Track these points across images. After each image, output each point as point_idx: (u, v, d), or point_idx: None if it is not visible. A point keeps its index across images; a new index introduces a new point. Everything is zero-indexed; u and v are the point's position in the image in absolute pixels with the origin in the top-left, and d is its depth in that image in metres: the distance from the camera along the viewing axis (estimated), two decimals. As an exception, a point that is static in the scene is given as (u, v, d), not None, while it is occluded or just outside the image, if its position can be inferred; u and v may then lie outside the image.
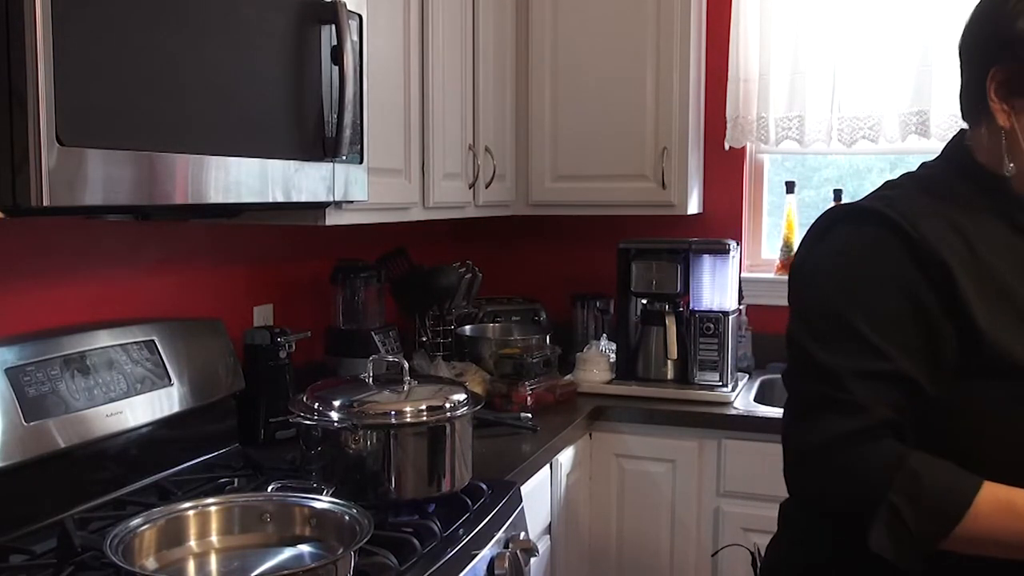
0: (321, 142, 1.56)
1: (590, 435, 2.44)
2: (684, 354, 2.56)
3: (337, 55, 1.55)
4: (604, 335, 2.81)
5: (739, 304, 2.63)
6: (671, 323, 2.56)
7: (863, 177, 2.90)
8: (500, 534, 1.60)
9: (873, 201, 1.14)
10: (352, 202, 1.72)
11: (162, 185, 1.22)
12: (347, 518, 1.31)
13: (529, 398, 2.34)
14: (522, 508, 1.75)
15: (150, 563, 1.24)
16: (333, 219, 1.79)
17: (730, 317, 2.52)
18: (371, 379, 1.65)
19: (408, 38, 2.11)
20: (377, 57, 1.91)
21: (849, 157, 2.89)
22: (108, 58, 1.13)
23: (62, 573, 1.28)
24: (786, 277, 1.24)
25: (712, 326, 2.51)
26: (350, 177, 1.66)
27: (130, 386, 1.65)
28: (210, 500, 1.35)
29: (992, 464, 1.03)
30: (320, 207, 1.74)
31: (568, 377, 2.58)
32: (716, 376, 2.51)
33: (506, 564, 1.55)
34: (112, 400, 1.60)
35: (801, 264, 1.19)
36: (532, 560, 1.67)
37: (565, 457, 2.23)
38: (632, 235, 2.70)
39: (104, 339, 1.64)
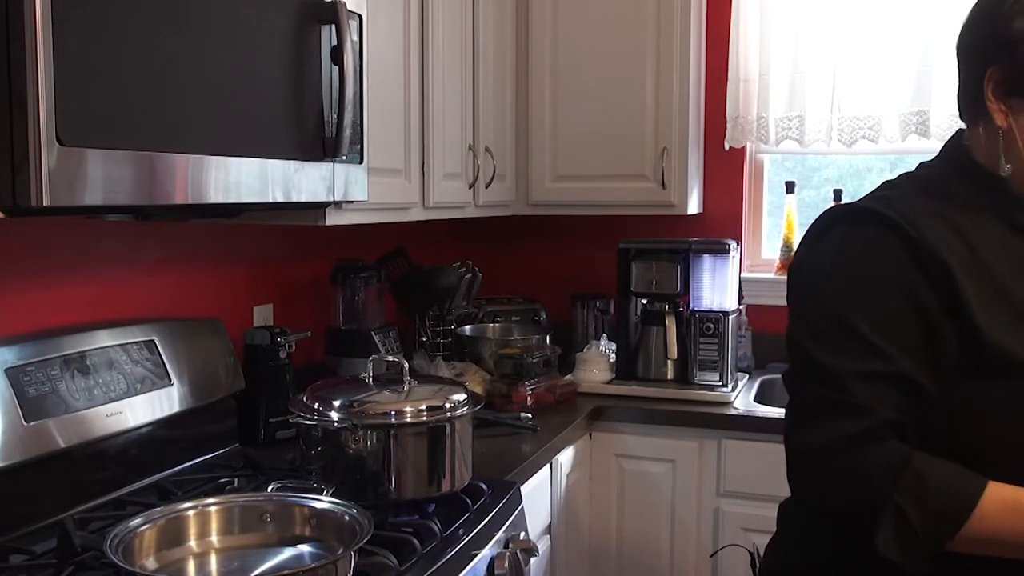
0: (321, 142, 1.56)
1: (590, 435, 2.44)
2: (684, 354, 2.56)
3: (337, 55, 1.55)
4: (604, 335, 2.81)
5: (739, 304, 2.63)
6: (671, 323, 2.56)
7: (863, 177, 2.90)
8: (500, 534, 1.60)
9: (872, 201, 1.14)
10: (352, 202, 1.72)
11: (162, 185, 1.22)
12: (347, 518, 1.31)
13: (529, 398, 2.34)
14: (522, 508, 1.75)
15: (150, 563, 1.24)
16: (333, 219, 1.79)
17: (730, 317, 2.52)
18: (371, 379, 1.65)
19: (408, 38, 2.11)
20: (377, 57, 1.91)
21: (849, 157, 2.89)
22: (108, 58, 1.13)
23: (62, 573, 1.28)
24: (786, 277, 1.24)
25: (712, 326, 2.51)
26: (350, 177, 1.67)
27: (130, 386, 1.65)
28: (210, 500, 1.35)
29: (992, 464, 1.03)
30: (320, 207, 1.74)
31: (568, 377, 2.58)
32: (716, 376, 2.51)
33: (506, 564, 1.55)
34: (112, 400, 1.60)
35: (800, 264, 1.19)
36: (532, 560, 1.67)
37: (565, 457, 2.23)
38: (632, 235, 2.70)
39: (104, 339, 1.64)
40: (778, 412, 2.33)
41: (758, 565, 1.37)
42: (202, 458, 1.83)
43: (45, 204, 1.05)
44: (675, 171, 2.65)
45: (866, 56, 2.63)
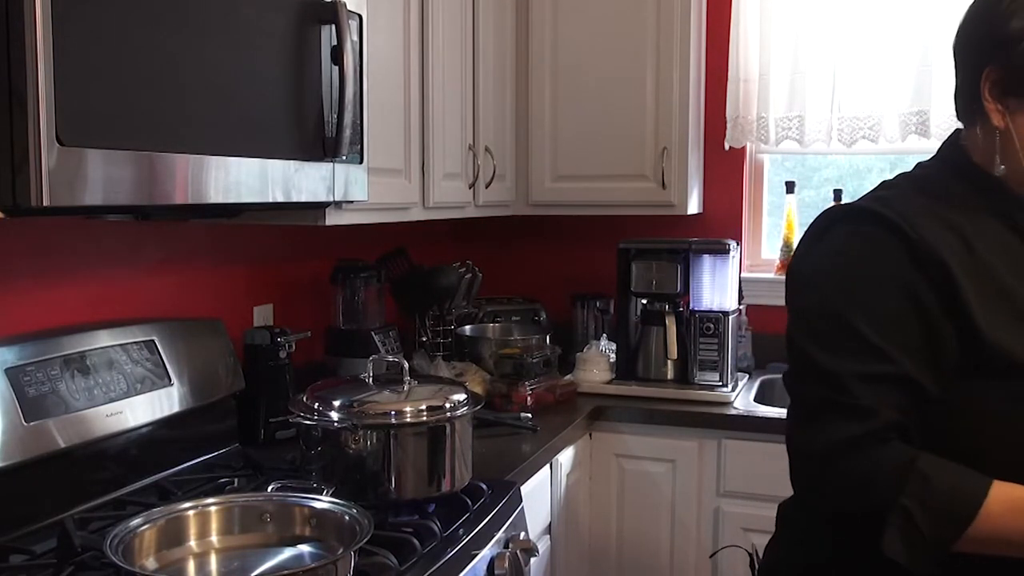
0: (321, 142, 1.56)
1: (590, 435, 2.44)
2: (684, 354, 2.56)
3: (337, 55, 1.55)
4: (604, 335, 2.81)
5: (739, 304, 2.63)
6: (671, 323, 2.56)
7: (863, 177, 2.90)
8: (500, 534, 1.60)
9: (870, 202, 1.14)
10: (352, 202, 1.72)
11: (162, 185, 1.22)
12: (347, 518, 1.31)
13: (529, 398, 2.34)
14: (522, 508, 1.75)
15: (150, 563, 1.24)
16: (333, 219, 1.79)
17: (730, 317, 2.52)
18: (371, 379, 1.65)
19: (408, 38, 2.11)
20: (377, 57, 1.91)
21: (849, 157, 2.89)
22: (108, 58, 1.13)
23: (62, 573, 1.28)
24: (784, 278, 1.24)
25: (712, 326, 2.51)
26: (350, 177, 1.67)
27: (130, 386, 1.65)
28: (210, 500, 1.35)
29: (992, 464, 1.03)
30: (320, 207, 1.74)
31: (568, 377, 2.58)
32: (716, 376, 2.51)
33: (506, 564, 1.55)
34: (112, 400, 1.60)
35: (799, 265, 1.19)
36: (532, 560, 1.67)
37: (565, 457, 2.23)
38: (632, 235, 2.70)
39: (104, 339, 1.64)
40: (778, 412, 2.34)
41: (757, 566, 1.37)
42: (202, 458, 1.83)
43: (45, 204, 1.05)
44: (675, 171, 2.65)
45: (866, 56, 2.63)
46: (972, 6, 1.16)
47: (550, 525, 2.15)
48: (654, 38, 2.64)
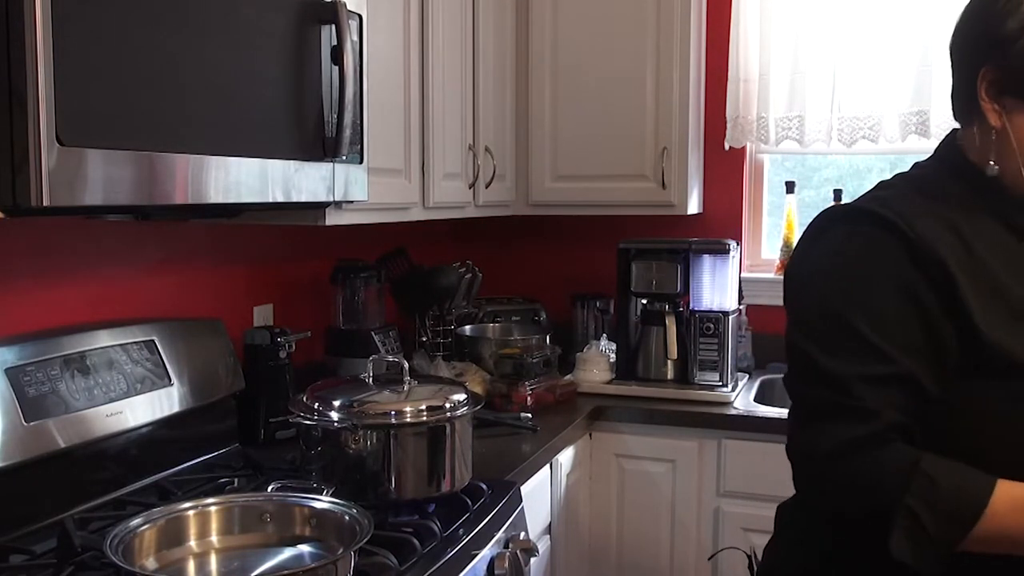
0: (321, 142, 1.56)
1: (590, 435, 2.44)
2: (684, 354, 2.56)
3: (337, 55, 1.55)
4: (604, 335, 2.81)
5: (739, 304, 2.63)
6: (671, 323, 2.56)
7: (863, 177, 2.90)
8: (500, 534, 1.60)
9: (868, 202, 1.14)
10: (352, 202, 1.72)
11: (162, 185, 1.22)
12: (347, 518, 1.31)
13: (529, 398, 2.34)
14: (522, 508, 1.75)
15: (150, 563, 1.24)
16: (333, 219, 1.79)
17: (730, 317, 2.52)
18: (371, 379, 1.65)
19: (408, 38, 2.11)
20: (377, 57, 1.91)
21: (849, 157, 2.89)
22: (108, 58, 1.13)
23: (62, 573, 1.28)
24: (782, 278, 1.23)
25: (712, 326, 2.51)
26: (350, 177, 1.66)
27: (130, 386, 1.65)
28: (210, 500, 1.35)
29: (992, 464, 1.03)
30: (320, 207, 1.74)
31: (568, 377, 2.58)
32: (716, 376, 2.51)
33: (506, 564, 1.55)
34: (112, 400, 1.60)
35: (797, 266, 1.19)
36: (532, 560, 1.67)
37: (565, 457, 2.23)
38: (632, 235, 2.70)
39: (104, 339, 1.64)
40: (778, 412, 2.34)
41: (756, 568, 1.37)
42: (202, 458, 1.83)
43: (45, 204, 1.05)
44: (675, 171, 2.65)
45: (866, 56, 2.63)
46: (968, 6, 1.16)
47: (550, 525, 2.15)
48: (654, 38, 2.64)
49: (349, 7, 1.57)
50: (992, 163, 1.12)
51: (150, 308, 1.86)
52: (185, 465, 1.78)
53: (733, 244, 2.54)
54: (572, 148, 2.73)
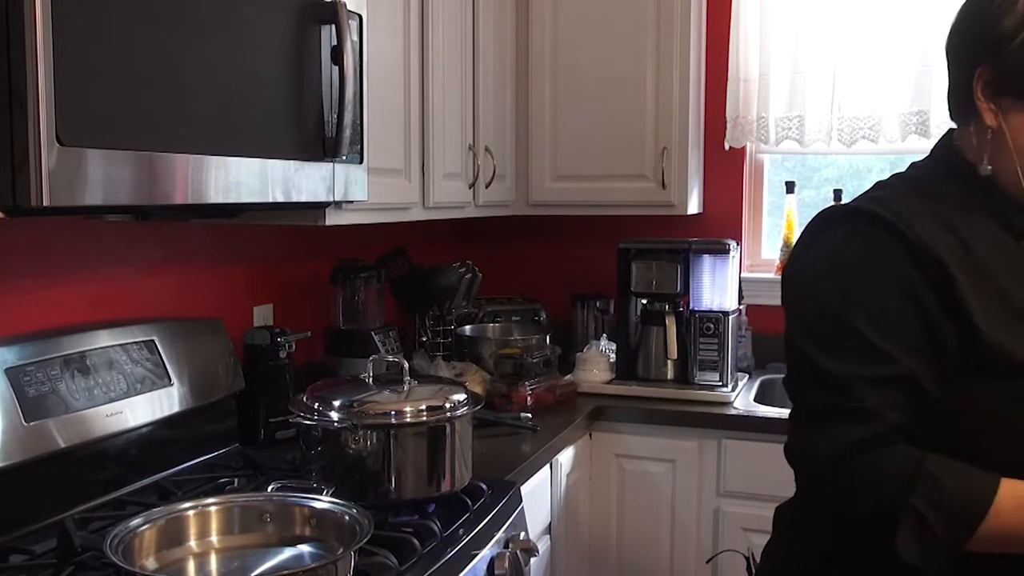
0: (321, 142, 1.56)
1: (590, 435, 2.44)
2: (684, 354, 2.56)
3: (337, 55, 1.55)
4: (604, 335, 2.81)
5: (739, 304, 2.63)
6: (671, 323, 2.56)
7: (863, 177, 2.90)
8: (500, 534, 1.60)
9: (866, 202, 1.13)
10: (352, 202, 1.72)
11: (162, 185, 1.22)
12: (347, 518, 1.31)
13: (529, 398, 2.34)
14: (522, 508, 1.75)
15: (150, 563, 1.24)
16: (333, 219, 1.79)
17: (730, 317, 2.52)
18: (371, 379, 1.65)
19: (408, 38, 2.11)
20: (377, 57, 1.91)
21: (849, 157, 2.89)
22: (108, 58, 1.13)
23: (62, 573, 1.28)
24: (780, 279, 1.23)
25: (712, 326, 2.51)
26: (350, 177, 1.66)
27: (130, 386, 1.65)
28: (210, 500, 1.35)
29: (992, 464, 1.03)
30: (320, 207, 1.74)
31: (568, 377, 2.58)
32: (716, 376, 2.51)
33: (506, 564, 1.55)
34: (112, 400, 1.60)
35: (795, 266, 1.18)
36: (532, 560, 1.67)
37: (565, 457, 2.22)
38: (632, 235, 2.70)
39: (104, 339, 1.64)
40: (778, 412, 2.34)
41: (754, 570, 1.36)
42: (202, 458, 1.83)
43: (45, 204, 1.05)
44: (675, 171, 2.65)
45: (866, 56, 2.63)
46: (964, 6, 1.16)
47: (550, 525, 2.15)
48: (654, 38, 2.64)
49: (349, 7, 1.57)
50: (985, 162, 1.12)
51: (150, 308, 1.86)
52: (185, 465, 1.78)
53: (733, 244, 2.54)
54: (572, 148, 2.73)
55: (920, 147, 2.57)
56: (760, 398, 2.52)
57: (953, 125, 1.22)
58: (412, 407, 1.56)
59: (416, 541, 1.41)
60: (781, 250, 2.84)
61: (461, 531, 1.52)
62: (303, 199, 1.53)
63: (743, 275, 2.76)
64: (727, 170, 2.91)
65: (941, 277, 1.05)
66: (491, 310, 2.85)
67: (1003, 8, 1.09)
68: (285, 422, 1.73)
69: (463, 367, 2.47)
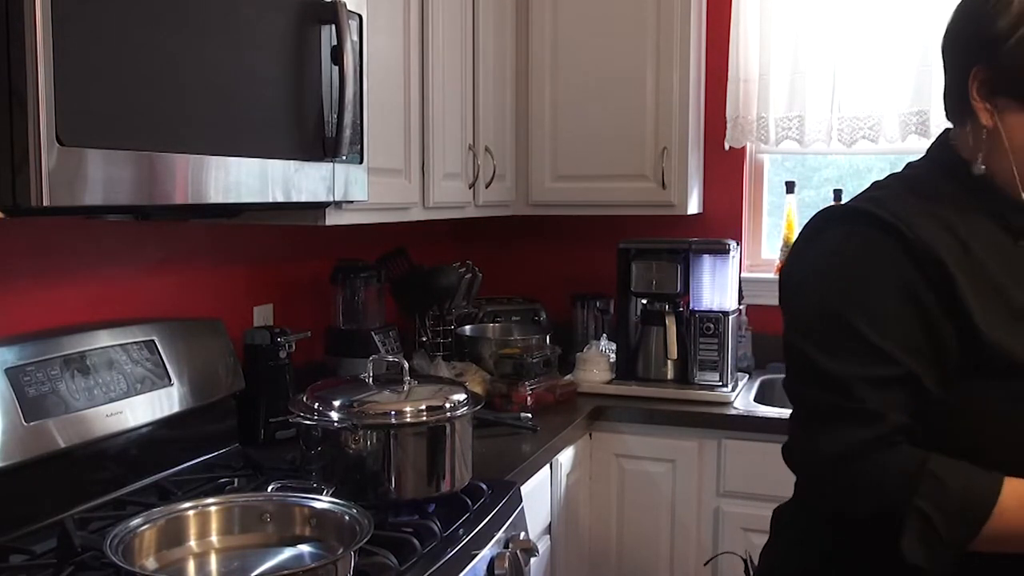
0: (321, 142, 1.56)
1: (590, 435, 2.44)
2: (684, 354, 2.56)
3: (337, 55, 1.55)
4: (604, 335, 2.81)
5: (739, 304, 2.63)
6: (671, 323, 2.56)
7: (863, 177, 2.90)
8: (500, 534, 1.60)
9: (864, 202, 1.13)
10: (352, 202, 1.72)
11: (162, 185, 1.22)
12: (347, 518, 1.31)
13: (529, 398, 2.34)
14: (522, 508, 1.75)
15: (150, 563, 1.24)
16: (333, 219, 1.79)
17: (730, 317, 2.52)
18: (371, 379, 1.65)
19: (408, 38, 2.11)
20: (377, 57, 1.91)
21: (849, 157, 2.89)
22: (108, 58, 1.13)
23: (62, 573, 1.28)
24: (778, 280, 1.23)
25: (712, 326, 2.51)
26: (350, 177, 1.67)
27: (130, 386, 1.65)
28: (210, 500, 1.35)
29: (992, 464, 1.03)
30: (320, 207, 1.74)
31: (568, 377, 2.58)
32: (716, 376, 2.51)
33: (506, 564, 1.55)
34: (112, 400, 1.60)
35: (793, 267, 1.18)
36: (532, 560, 1.67)
37: (565, 457, 2.23)
38: (632, 235, 2.70)
39: (104, 339, 1.64)
40: (778, 412, 2.34)
41: (752, 572, 1.36)
42: (202, 458, 1.83)
43: (45, 204, 1.05)
44: (675, 171, 2.65)
45: (866, 56, 2.63)
46: (959, 6, 1.16)
47: (550, 525, 2.15)
48: (654, 38, 2.64)
49: (349, 7, 1.57)
50: (979, 162, 1.12)
51: (150, 308, 1.86)
52: (185, 465, 1.78)
53: (733, 244, 2.54)
54: (572, 148, 2.73)
55: (920, 147, 2.52)
56: (760, 398, 2.52)
57: (951, 125, 1.22)
58: (412, 407, 1.56)
59: (416, 541, 1.41)
60: (781, 250, 2.84)
61: (461, 531, 1.52)
62: (303, 199, 1.53)
63: (743, 275, 2.76)
64: (727, 170, 2.91)
65: (941, 277, 1.05)
66: (491, 310, 2.85)
67: (998, 8, 1.09)
68: (285, 422, 1.73)
69: (463, 367, 2.47)
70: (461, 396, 1.63)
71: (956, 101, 1.16)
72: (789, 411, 1.14)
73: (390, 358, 1.73)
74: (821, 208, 1.19)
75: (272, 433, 2.02)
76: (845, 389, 1.04)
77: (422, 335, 2.57)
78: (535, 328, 2.81)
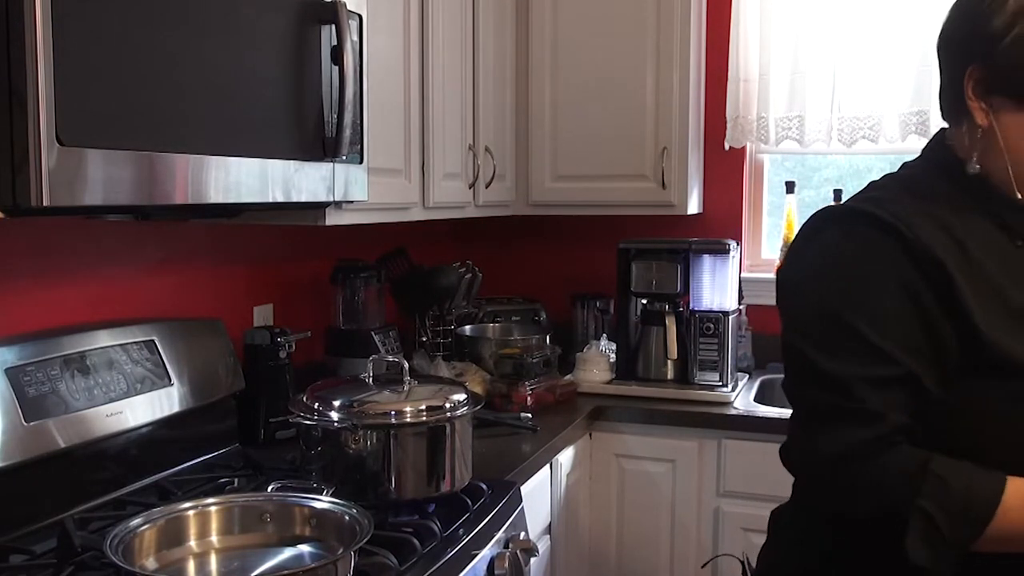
0: (321, 142, 1.56)
1: (590, 435, 2.44)
2: (684, 354, 2.56)
3: (337, 55, 1.55)
4: (604, 335, 2.81)
5: (739, 304, 2.63)
6: (671, 323, 2.56)
7: (863, 177, 2.90)
8: (500, 534, 1.60)
9: (862, 202, 1.13)
10: (352, 202, 1.72)
11: (162, 185, 1.22)
12: (347, 518, 1.31)
13: (529, 398, 2.34)
14: (522, 508, 1.75)
15: (150, 563, 1.24)
16: (333, 219, 1.79)
17: (730, 317, 2.52)
18: (371, 379, 1.65)
19: (408, 38, 2.11)
20: (377, 57, 1.91)
21: (849, 157, 2.89)
22: (108, 58, 1.13)
23: (62, 573, 1.28)
24: (775, 280, 1.22)
25: (712, 326, 2.51)
26: (350, 177, 1.67)
27: (130, 386, 1.65)
28: (210, 500, 1.35)
29: (993, 464, 1.03)
30: (320, 207, 1.74)
31: (568, 377, 2.58)
32: (716, 376, 2.51)
33: (506, 564, 1.55)
34: (112, 400, 1.60)
35: (791, 268, 1.18)
36: (532, 560, 1.67)
37: (565, 457, 2.22)
38: (632, 235, 2.70)
39: (104, 339, 1.64)
40: (778, 412, 2.34)
41: (750, 574, 1.36)
42: (202, 458, 1.83)
43: (45, 204, 1.05)
44: (675, 171, 2.65)
45: (866, 56, 2.63)
46: (955, 5, 1.16)
47: (550, 525, 2.15)
48: (654, 38, 2.64)
49: (349, 7, 1.57)
50: (974, 161, 1.12)
51: (150, 308, 1.86)
52: (185, 465, 1.78)
53: (733, 244, 2.54)
54: (572, 148, 2.73)
55: (920, 147, 2.56)
56: (760, 398, 2.52)
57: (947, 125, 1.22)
58: (412, 407, 1.56)
59: (416, 541, 1.41)
60: (781, 250, 2.84)
61: (461, 531, 1.52)
62: (303, 199, 1.53)
63: (743, 275, 2.76)
64: (727, 170, 2.91)
65: (940, 277, 1.05)
66: (491, 310, 2.85)
67: (993, 7, 1.09)
68: (285, 422, 1.73)
69: (463, 367, 2.47)
70: (461, 396, 1.63)
71: (951, 100, 1.16)
72: (789, 411, 1.14)
73: (390, 358, 1.73)
74: (818, 208, 1.19)
75: (272, 433, 2.02)
76: (845, 389, 1.04)
77: (422, 335, 2.57)
78: (535, 328, 2.81)
